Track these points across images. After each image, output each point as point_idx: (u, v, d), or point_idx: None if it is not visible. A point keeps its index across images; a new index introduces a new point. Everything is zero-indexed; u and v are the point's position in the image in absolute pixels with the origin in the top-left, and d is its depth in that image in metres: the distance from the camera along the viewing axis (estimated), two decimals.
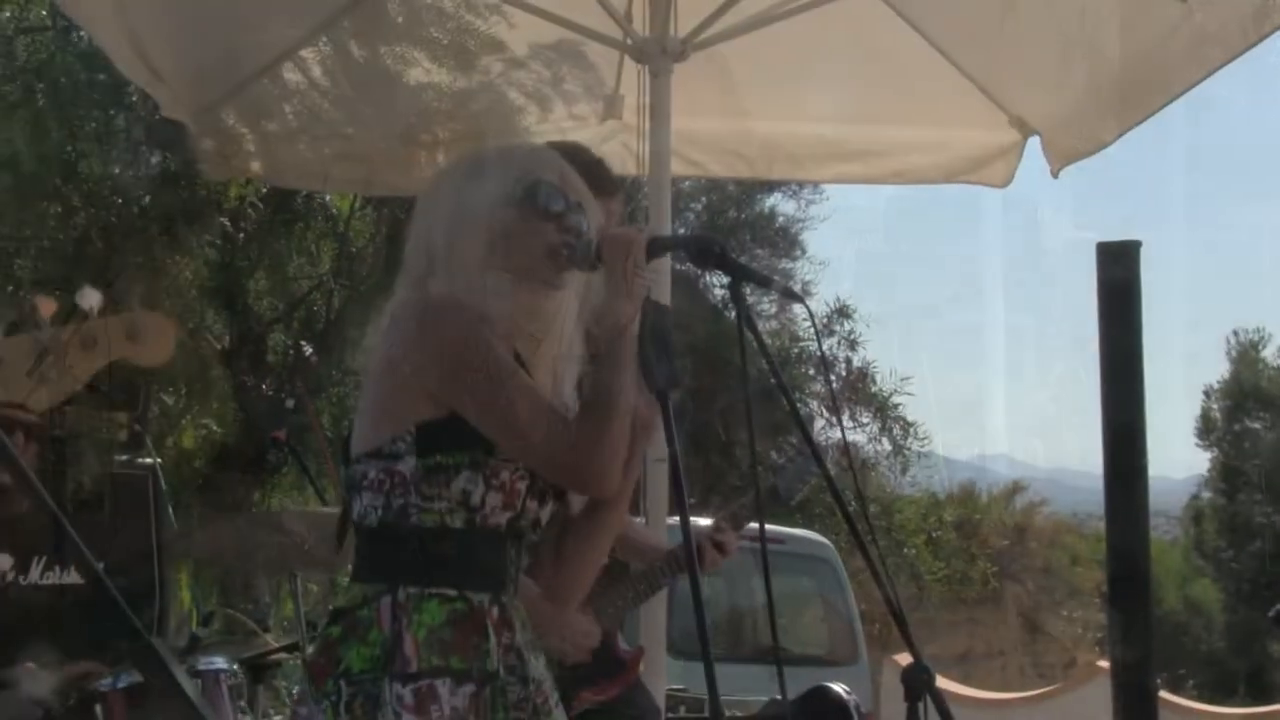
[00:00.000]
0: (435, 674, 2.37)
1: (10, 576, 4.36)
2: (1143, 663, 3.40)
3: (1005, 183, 5.67)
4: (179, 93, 4.92)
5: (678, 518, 2.39)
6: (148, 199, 7.95)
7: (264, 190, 8.43)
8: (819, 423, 15.39)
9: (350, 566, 2.59)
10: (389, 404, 2.49)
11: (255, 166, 5.66)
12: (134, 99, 7.38)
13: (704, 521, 3.95)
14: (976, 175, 5.68)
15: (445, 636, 2.40)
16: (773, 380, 2.64)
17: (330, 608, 2.57)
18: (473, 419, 2.42)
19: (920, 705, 2.46)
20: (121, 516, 6.33)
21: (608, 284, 2.49)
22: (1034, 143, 5.50)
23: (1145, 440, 3.43)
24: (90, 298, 2.40)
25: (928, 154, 5.74)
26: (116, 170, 7.83)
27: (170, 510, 6.85)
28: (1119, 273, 3.44)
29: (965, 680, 14.12)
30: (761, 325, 14.99)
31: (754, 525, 3.98)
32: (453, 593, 2.43)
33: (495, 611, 2.48)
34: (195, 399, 8.53)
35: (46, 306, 2.35)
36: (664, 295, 3.95)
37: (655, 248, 2.53)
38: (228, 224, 8.52)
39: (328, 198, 9.01)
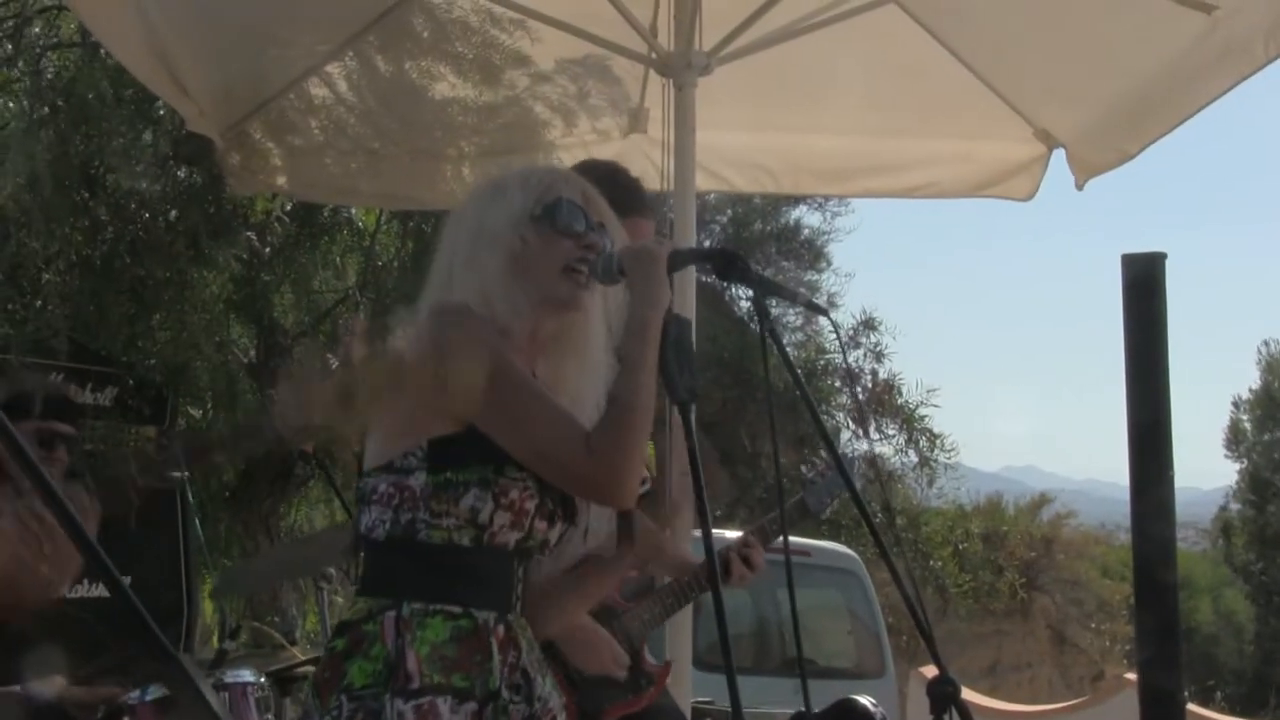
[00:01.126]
0: (437, 691, 2.36)
1: None
2: (1171, 675, 3.39)
3: (1029, 195, 5.67)
4: (206, 108, 4.95)
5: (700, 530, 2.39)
6: (175, 214, 7.98)
7: (290, 205, 8.46)
8: (845, 435, 15.37)
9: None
10: (404, 418, 2.49)
11: (281, 181, 5.69)
12: (161, 114, 7.42)
13: (729, 534, 3.95)
14: (1001, 188, 5.68)
15: (448, 653, 2.39)
16: (798, 393, 2.65)
17: (337, 621, 2.57)
18: (488, 429, 2.42)
19: (946, 718, 2.46)
20: (149, 529, 6.38)
21: (630, 297, 2.49)
22: (1058, 155, 5.49)
23: (1172, 451, 3.41)
24: None
25: (952, 167, 5.74)
26: (143, 185, 7.86)
27: (198, 523, 6.90)
28: (1144, 284, 3.43)
29: (992, 692, 14.05)
30: (787, 338, 14.99)
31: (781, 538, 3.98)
32: (458, 610, 2.43)
33: (501, 630, 2.48)
34: (222, 412, 8.55)
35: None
36: (688, 308, 3.95)
37: (677, 260, 2.54)
38: (254, 238, 8.55)
39: (353, 212, 9.03)
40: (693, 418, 2.36)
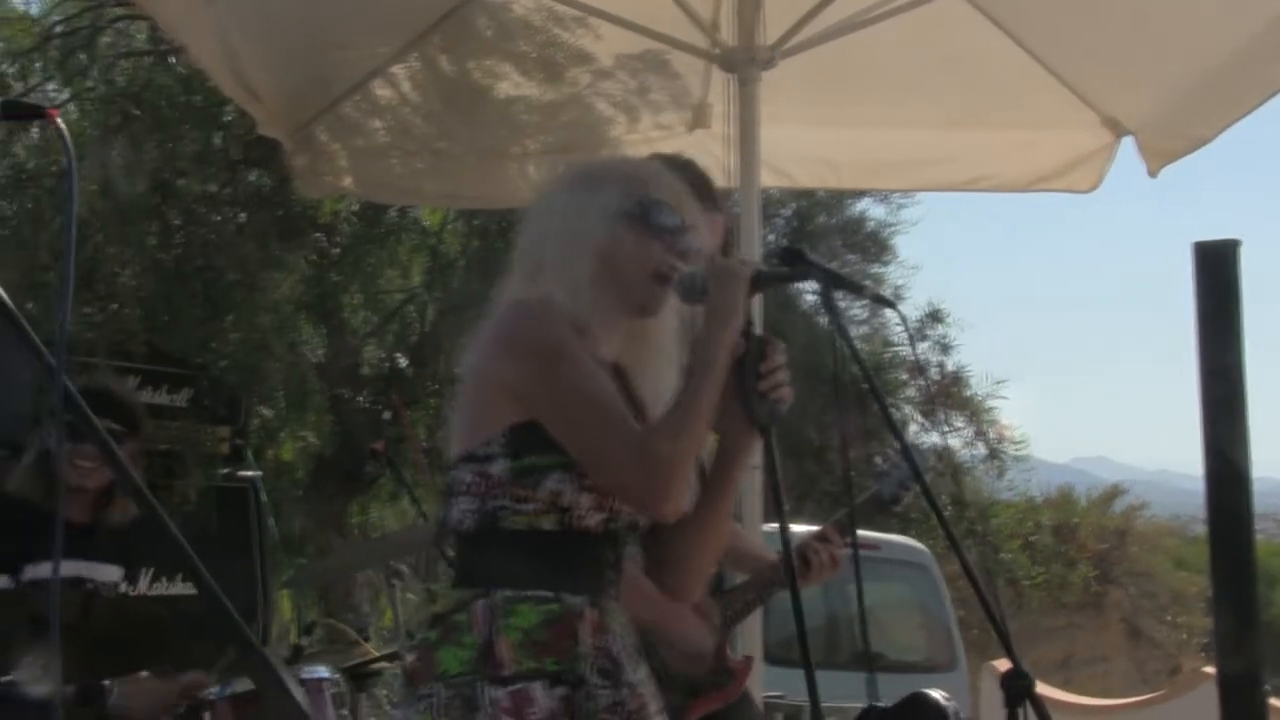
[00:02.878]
0: (530, 676, 2.39)
1: (122, 587, 4.45)
2: (1251, 669, 3.34)
3: (1093, 187, 5.61)
4: (274, 111, 5.00)
5: (776, 526, 2.39)
6: (244, 216, 8.07)
7: (357, 205, 8.53)
8: (913, 428, 15.29)
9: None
10: (481, 407, 2.51)
11: (348, 182, 5.74)
12: (230, 119, 7.50)
13: (797, 529, 3.94)
14: (1064, 181, 5.62)
15: (539, 638, 2.41)
16: (866, 386, 2.64)
17: (430, 613, 2.59)
18: (547, 424, 2.43)
19: (1020, 712, 2.44)
20: (225, 527, 6.46)
21: (708, 316, 2.47)
22: (1124, 143, 5.44)
23: (1248, 441, 3.37)
24: None
25: (1017, 158, 5.69)
26: (214, 189, 7.96)
27: (271, 521, 6.98)
28: (1218, 273, 3.39)
29: (1066, 686, 13.91)
30: (853, 331, 14.91)
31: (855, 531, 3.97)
32: (547, 594, 2.45)
33: (592, 614, 2.48)
34: (293, 412, 8.63)
35: None
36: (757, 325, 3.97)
37: (760, 281, 2.51)
38: (322, 239, 8.63)
39: (419, 211, 9.09)
40: (772, 437, 2.36)
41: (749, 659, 3.78)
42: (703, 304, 2.51)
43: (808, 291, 15.42)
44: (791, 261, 2.53)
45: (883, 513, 4.16)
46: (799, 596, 2.32)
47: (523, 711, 2.37)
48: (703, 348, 2.46)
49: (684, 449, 2.40)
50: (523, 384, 2.45)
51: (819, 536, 3.72)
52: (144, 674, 3.95)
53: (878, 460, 4.08)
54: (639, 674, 2.56)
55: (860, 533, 4.64)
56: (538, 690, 2.38)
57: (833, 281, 2.52)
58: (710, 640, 3.53)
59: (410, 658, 2.56)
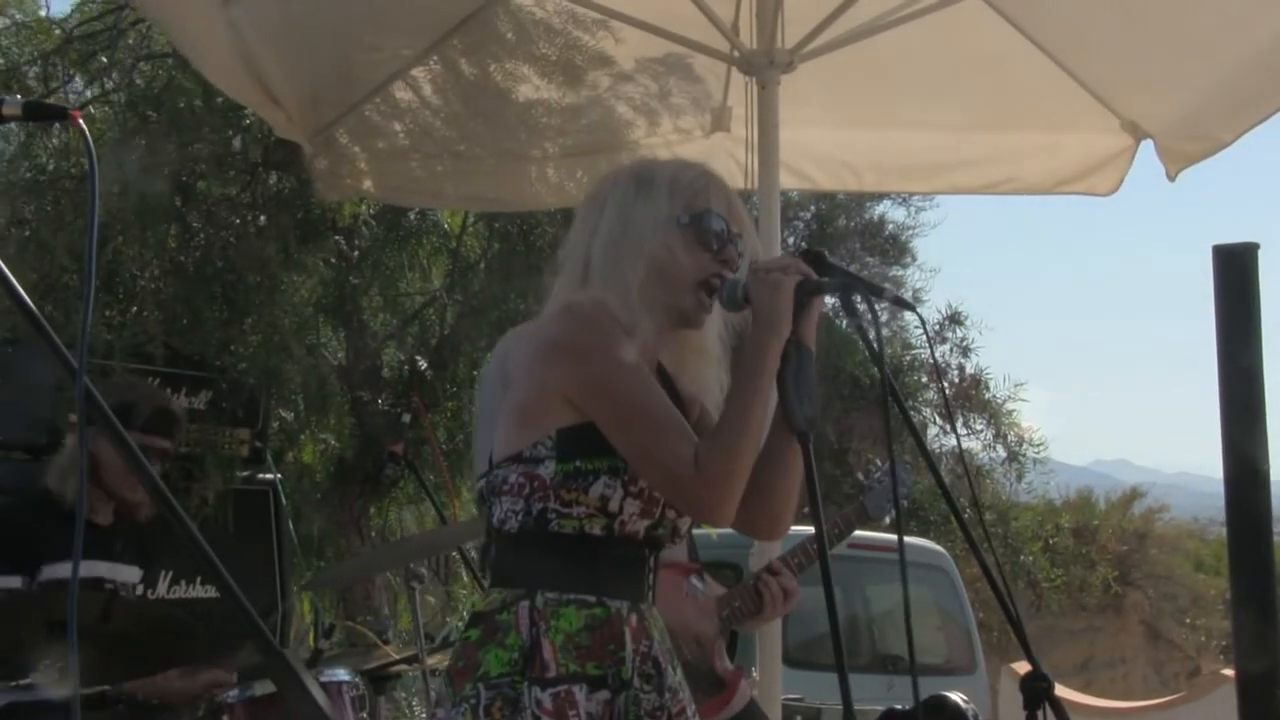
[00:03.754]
0: (573, 680, 2.41)
1: (139, 589, 4.47)
2: (1271, 670, 3.34)
3: (1113, 190, 5.60)
4: (293, 115, 5.01)
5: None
6: (264, 219, 8.08)
7: (377, 208, 8.53)
8: (932, 430, 15.26)
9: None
10: (531, 408, 2.52)
11: (368, 185, 5.75)
12: (250, 122, 7.52)
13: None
14: (1084, 184, 5.61)
15: (582, 642, 2.43)
16: (888, 390, 2.64)
17: (469, 611, 2.62)
18: (603, 428, 2.45)
19: (1039, 714, 2.45)
20: (245, 530, 6.47)
21: (756, 324, 2.49)
22: (1144, 147, 5.42)
23: (1268, 443, 3.36)
24: None
25: (1035, 161, 5.68)
26: (234, 192, 7.98)
27: (291, 524, 6.99)
28: (1236, 276, 3.38)
29: (1086, 689, 13.89)
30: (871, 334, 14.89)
31: (870, 535, 3.98)
32: (591, 599, 2.47)
33: (634, 619, 2.51)
34: (314, 414, 8.63)
35: None
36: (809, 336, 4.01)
37: (806, 289, 2.51)
38: (342, 242, 8.62)
39: (440, 214, 9.09)
40: (811, 447, 2.37)
41: (739, 669, 3.79)
42: (743, 311, 2.53)
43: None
44: (812, 264, 2.54)
45: (869, 525, 4.18)
46: (834, 601, 2.32)
47: (564, 714, 2.39)
48: (752, 355, 2.48)
49: (738, 458, 2.43)
50: (576, 388, 2.48)
51: (769, 569, 3.72)
52: (173, 673, 3.97)
53: (870, 470, 4.10)
54: (677, 677, 2.59)
55: (877, 535, 4.65)
56: (579, 694, 2.41)
57: (861, 289, 2.52)
58: (709, 623, 3.53)
59: (443, 658, 2.58)
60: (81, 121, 1.92)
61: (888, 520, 4.15)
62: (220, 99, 7.08)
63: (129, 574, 4.41)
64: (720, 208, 2.61)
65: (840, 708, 2.25)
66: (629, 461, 2.45)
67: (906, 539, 4.22)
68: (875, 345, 2.49)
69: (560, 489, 2.47)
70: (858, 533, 4.19)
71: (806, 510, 2.60)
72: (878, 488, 4.07)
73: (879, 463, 4.24)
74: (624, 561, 2.53)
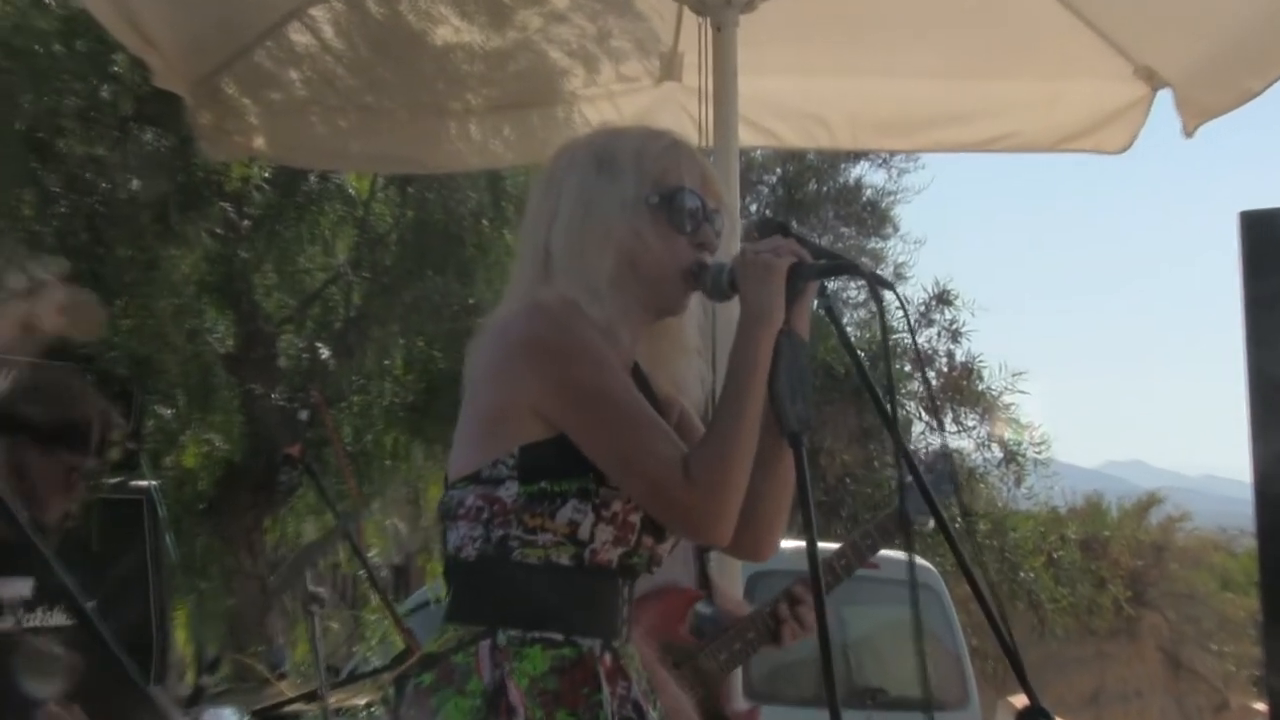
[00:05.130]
0: None
1: None
2: None
3: (1124, 147, 5.63)
4: (172, 60, 4.96)
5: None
6: (138, 183, 8.03)
7: (271, 171, 8.51)
8: (917, 427, 15.36)
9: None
10: (492, 420, 2.52)
11: (260, 143, 5.70)
12: (120, 69, 7.47)
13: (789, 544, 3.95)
14: (1092, 140, 5.63)
15: (550, 686, 2.43)
16: (858, 380, 2.65)
17: (421, 652, 2.60)
18: (580, 441, 2.45)
19: None
20: (113, 546, 6.42)
21: (745, 316, 2.50)
22: (1161, 97, 5.45)
23: None
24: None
25: (1036, 114, 5.70)
26: (101, 151, 7.92)
27: (169, 539, 6.95)
28: (1266, 245, 3.41)
29: None
30: (848, 316, 14.97)
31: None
32: (559, 637, 2.47)
33: (608, 659, 2.52)
34: (196, 411, 8.61)
35: None
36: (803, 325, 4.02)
37: (801, 274, 2.52)
38: (230, 210, 8.60)
39: (344, 178, 9.08)
40: (804, 451, 2.38)
41: (756, 708, 3.81)
42: (728, 300, 2.55)
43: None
44: (772, 234, 2.54)
45: (905, 534, 4.18)
46: (826, 628, 2.35)
47: None
48: (743, 350, 2.48)
49: (734, 467, 2.44)
50: (548, 395, 2.47)
51: (790, 596, 3.74)
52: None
53: (878, 467, 4.11)
54: (657, 718, 2.59)
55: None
56: None
57: (854, 272, 2.53)
58: (688, 700, 3.55)
59: (347, 695, 2.57)
60: None
61: (918, 525, 4.12)
62: (83, 43, 7.02)
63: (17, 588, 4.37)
64: (694, 183, 2.62)
65: None
66: (611, 476, 2.46)
67: (889, 554, 4.23)
68: (883, 333, 2.50)
69: (524, 514, 2.47)
70: (831, 546, 4.20)
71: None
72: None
73: (917, 458, 4.21)
74: (595, 594, 2.53)
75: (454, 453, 2.58)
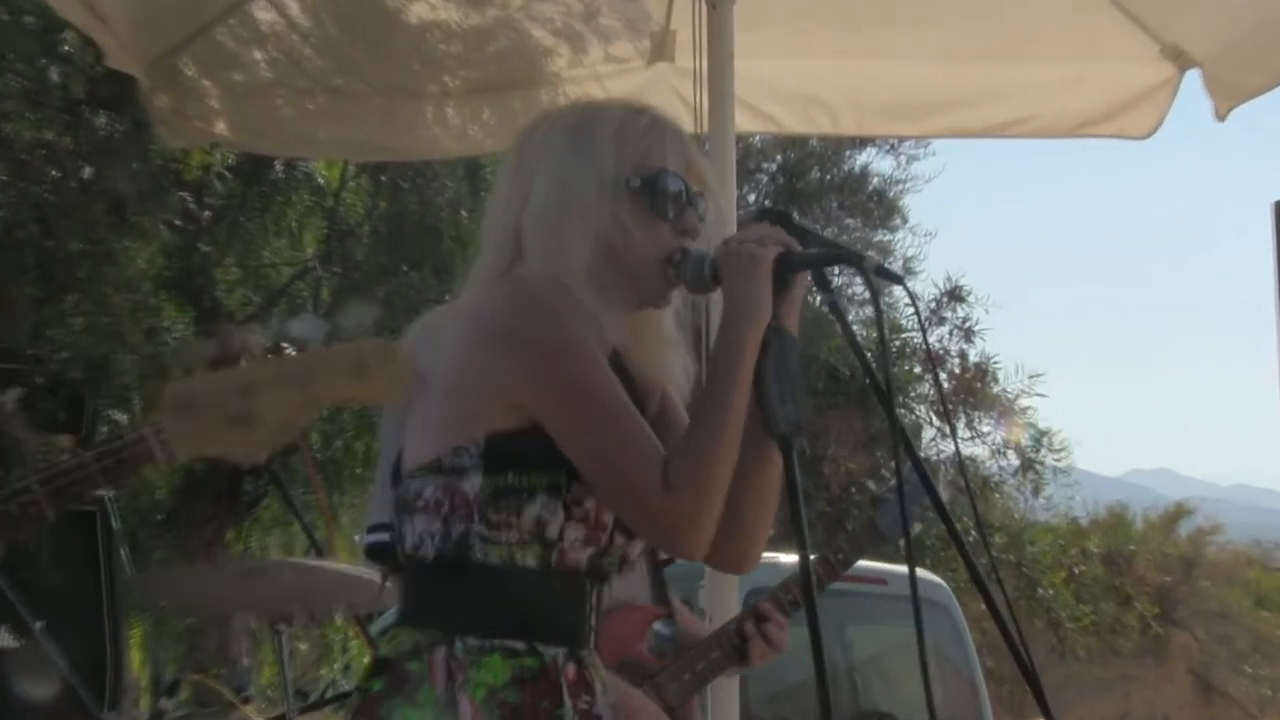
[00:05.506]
0: None
1: None
2: None
3: (1150, 132, 5.63)
4: (126, 39, 4.96)
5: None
6: (90, 171, 8.03)
7: (234, 158, 8.51)
8: (929, 433, 15.35)
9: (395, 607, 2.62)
10: (459, 404, 2.51)
11: (222, 128, 5.69)
12: (70, 49, 7.46)
13: (782, 558, 3.95)
14: (1115, 125, 5.64)
15: (509, 699, 2.42)
16: (867, 381, 2.66)
17: (375, 655, 2.60)
18: (557, 434, 2.45)
19: None
20: (64, 561, 6.42)
21: (729, 310, 2.49)
22: (1190, 78, 5.45)
23: None
24: (305, 328, 2.48)
25: (1055, 97, 5.70)
26: (50, 136, 7.92)
27: (125, 553, 6.94)
28: None
29: None
30: (853, 313, 14.97)
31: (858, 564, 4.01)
32: (520, 646, 2.46)
33: (571, 669, 2.51)
34: (153, 416, 8.61)
35: (257, 340, 2.42)
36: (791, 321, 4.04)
37: (789, 264, 2.52)
38: (190, 200, 8.60)
39: (312, 166, 9.07)
40: (795, 455, 2.38)
41: None
42: (710, 292, 2.55)
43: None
44: (774, 224, 2.55)
45: (883, 545, 4.20)
46: (821, 649, 2.35)
47: None
48: (726, 348, 2.48)
49: (714, 474, 2.43)
50: (528, 385, 2.46)
51: (756, 613, 3.75)
52: None
53: (869, 484, 4.14)
54: None
55: (865, 564, 4.69)
56: None
57: (851, 261, 2.53)
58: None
59: (350, 710, 2.56)
60: None
61: (900, 541, 4.14)
62: (31, 19, 7.01)
63: None
64: (677, 164, 2.61)
65: None
66: (586, 475, 2.45)
67: (896, 568, 4.25)
68: (880, 328, 2.50)
69: (487, 508, 2.46)
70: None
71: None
72: (892, 499, 4.07)
73: (892, 469, 4.25)
74: (561, 599, 2.53)
75: (409, 438, 2.57)
